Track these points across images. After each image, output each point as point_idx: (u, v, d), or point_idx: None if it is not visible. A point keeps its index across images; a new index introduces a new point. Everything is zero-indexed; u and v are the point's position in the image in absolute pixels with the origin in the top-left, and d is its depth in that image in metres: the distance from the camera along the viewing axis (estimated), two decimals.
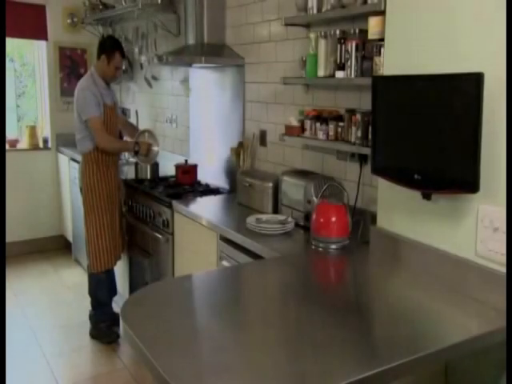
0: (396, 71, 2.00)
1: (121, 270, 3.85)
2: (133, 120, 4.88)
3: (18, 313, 3.96)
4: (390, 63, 2.05)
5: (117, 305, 3.65)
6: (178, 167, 3.76)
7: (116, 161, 3.64)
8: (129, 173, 4.14)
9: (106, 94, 3.44)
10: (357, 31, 2.36)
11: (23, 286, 4.50)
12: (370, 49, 2.24)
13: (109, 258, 3.51)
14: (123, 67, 3.49)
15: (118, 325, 3.28)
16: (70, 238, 5.15)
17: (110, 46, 3.46)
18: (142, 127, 4.80)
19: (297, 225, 2.60)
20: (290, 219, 2.61)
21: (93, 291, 3.58)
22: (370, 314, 1.72)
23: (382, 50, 2.12)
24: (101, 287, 3.56)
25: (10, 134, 5.27)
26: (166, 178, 3.95)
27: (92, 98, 3.34)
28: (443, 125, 1.74)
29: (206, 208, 3.08)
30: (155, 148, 3.70)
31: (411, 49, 1.94)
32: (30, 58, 5.48)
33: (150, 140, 3.70)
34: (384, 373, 1.31)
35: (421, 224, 1.97)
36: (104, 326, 3.55)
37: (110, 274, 3.60)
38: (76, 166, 4.73)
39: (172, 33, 4.09)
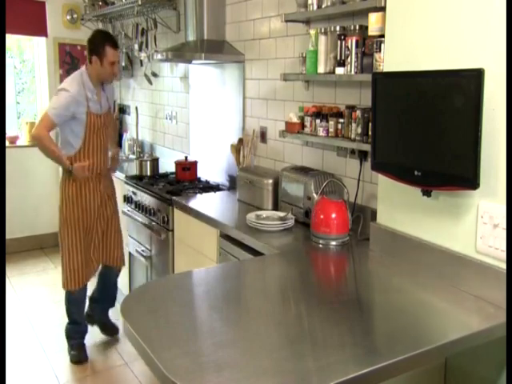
0: (396, 67, 2.00)
1: None
2: (133, 117, 4.90)
3: (18, 309, 3.96)
4: (391, 59, 2.04)
5: (118, 302, 3.65)
6: (177, 164, 3.76)
7: (102, 172, 3.28)
8: (129, 169, 4.15)
9: (92, 100, 3.09)
10: (357, 27, 2.35)
11: (23, 282, 4.51)
12: (370, 45, 2.23)
13: (79, 277, 3.22)
14: (119, 61, 3.14)
15: (80, 352, 3.29)
16: None
17: (98, 43, 3.08)
18: (142, 124, 4.83)
19: (297, 221, 2.60)
20: (290, 216, 2.61)
21: (66, 307, 3.34)
22: (369, 311, 1.73)
23: (383, 46, 2.11)
24: (72, 304, 3.31)
25: (10, 130, 5.27)
26: (166, 175, 3.95)
27: (66, 104, 2.99)
28: (443, 121, 1.74)
29: (206, 205, 3.07)
30: (87, 171, 3.17)
31: (411, 45, 1.93)
32: (30, 55, 5.48)
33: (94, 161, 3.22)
34: (384, 369, 1.31)
35: (421, 220, 1.98)
36: (75, 344, 3.32)
37: (81, 294, 3.30)
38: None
39: (172, 29, 4.08)
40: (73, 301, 3.30)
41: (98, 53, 3.07)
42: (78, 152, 3.13)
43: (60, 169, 3.36)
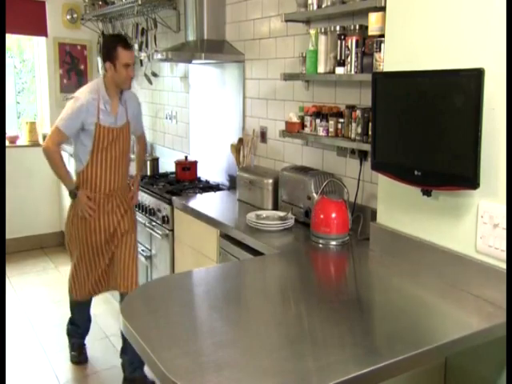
0: (396, 67, 2.00)
1: None
2: None
3: (18, 309, 3.96)
4: (391, 59, 2.04)
5: (118, 302, 3.64)
6: (177, 163, 3.76)
7: (113, 193, 2.96)
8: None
9: (105, 112, 2.84)
10: (357, 27, 2.35)
11: (23, 282, 4.50)
12: (370, 45, 2.23)
13: (84, 290, 3.07)
14: (132, 62, 2.84)
15: (80, 353, 3.25)
16: None
17: (109, 47, 2.85)
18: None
19: (297, 221, 2.60)
20: (290, 215, 2.61)
21: (70, 306, 3.25)
22: (369, 310, 1.73)
23: (383, 46, 2.11)
24: (74, 308, 3.23)
25: (10, 130, 5.27)
26: (165, 175, 3.95)
27: (74, 113, 2.78)
28: (443, 121, 1.74)
29: (206, 204, 3.07)
30: (92, 206, 2.92)
31: (411, 45, 1.93)
32: (30, 55, 5.48)
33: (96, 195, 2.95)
34: (384, 369, 1.31)
35: (421, 220, 1.98)
36: (75, 343, 3.28)
37: (84, 303, 3.19)
38: None
39: (172, 29, 4.08)
40: (75, 305, 3.22)
41: (110, 57, 2.82)
42: (86, 168, 2.88)
43: (70, 161, 3.15)
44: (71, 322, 3.30)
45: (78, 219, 2.94)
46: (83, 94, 2.87)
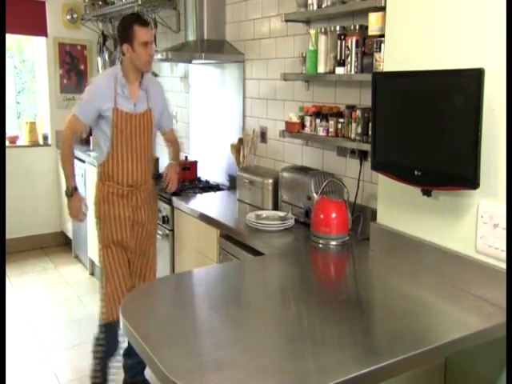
0: (396, 67, 2.00)
1: None
2: None
3: (18, 309, 3.96)
4: (391, 59, 2.04)
5: None
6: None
7: (138, 186, 2.76)
8: None
9: (122, 96, 2.65)
10: (357, 27, 2.35)
11: (23, 282, 4.50)
12: (370, 45, 2.23)
13: (118, 307, 2.47)
14: (151, 40, 2.66)
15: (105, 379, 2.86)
16: (70, 235, 5.15)
17: (125, 27, 2.65)
18: None
19: (297, 221, 2.60)
20: (290, 215, 2.61)
21: (99, 342, 2.84)
22: (369, 310, 1.73)
23: (383, 46, 2.11)
24: (110, 337, 2.81)
25: (10, 130, 5.27)
26: None
27: (90, 98, 2.66)
28: (443, 121, 1.74)
29: (206, 204, 3.07)
30: (83, 211, 2.83)
31: (411, 45, 1.93)
32: (30, 55, 5.48)
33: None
34: (384, 369, 1.31)
35: (421, 220, 1.97)
36: (103, 366, 2.87)
37: (111, 331, 2.78)
38: (76, 162, 4.73)
39: (172, 29, 4.08)
40: (110, 326, 2.75)
41: (127, 38, 2.62)
42: (107, 158, 2.70)
43: (94, 186, 2.95)
44: (100, 344, 2.85)
45: (102, 217, 2.74)
46: (98, 78, 2.81)
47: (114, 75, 2.68)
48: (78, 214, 2.82)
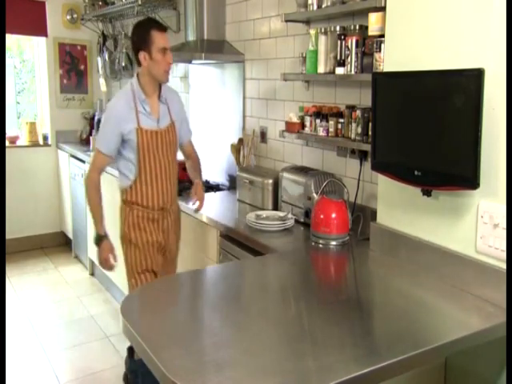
0: (396, 67, 2.00)
1: (120, 266, 3.85)
2: None
3: (18, 309, 3.96)
4: (391, 59, 2.04)
5: (118, 302, 3.65)
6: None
7: (167, 207, 2.61)
8: None
9: (144, 113, 2.47)
10: (357, 27, 2.35)
11: (23, 282, 4.50)
12: (370, 45, 2.23)
13: None
14: (169, 47, 2.49)
15: None
16: (70, 235, 5.15)
17: (141, 33, 2.44)
18: None
19: (297, 221, 2.60)
20: (290, 216, 2.61)
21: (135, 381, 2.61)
22: (369, 310, 1.73)
23: (383, 46, 2.11)
24: (135, 362, 2.57)
25: (10, 130, 5.27)
26: None
27: (111, 127, 2.44)
28: (443, 121, 1.74)
29: (206, 205, 3.07)
30: (112, 263, 2.60)
31: (411, 45, 1.93)
32: (30, 55, 5.48)
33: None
34: (384, 369, 1.31)
35: (421, 220, 1.97)
36: None
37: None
38: (76, 162, 4.75)
39: (172, 29, 4.07)
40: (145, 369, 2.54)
41: (144, 44, 2.41)
42: (134, 183, 2.51)
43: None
44: (131, 371, 2.67)
45: (129, 242, 2.56)
46: (114, 102, 2.51)
47: (131, 92, 2.47)
48: (106, 264, 2.60)
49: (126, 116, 2.43)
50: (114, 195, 3.50)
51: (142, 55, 2.43)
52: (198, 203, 2.68)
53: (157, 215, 2.56)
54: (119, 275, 3.74)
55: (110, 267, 2.62)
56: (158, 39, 2.41)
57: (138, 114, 2.45)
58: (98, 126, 5.08)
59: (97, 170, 2.52)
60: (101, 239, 2.55)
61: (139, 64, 2.48)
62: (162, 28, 2.46)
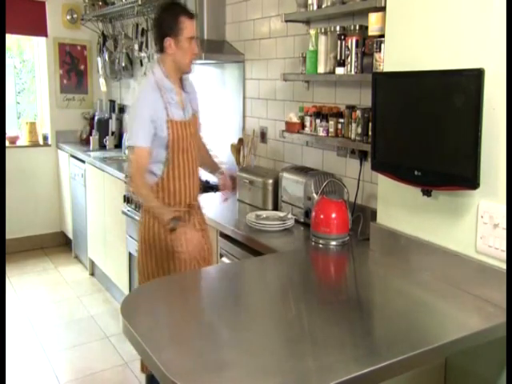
0: (396, 67, 2.00)
1: (120, 267, 3.85)
2: None
3: (18, 309, 3.96)
4: (391, 59, 2.04)
5: (118, 302, 3.65)
6: None
7: (193, 203, 2.42)
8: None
9: (173, 105, 2.28)
10: (357, 27, 2.35)
11: (23, 282, 4.50)
12: (370, 45, 2.23)
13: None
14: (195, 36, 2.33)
15: None
16: (70, 235, 5.15)
17: (169, 19, 2.26)
18: None
19: (297, 221, 2.60)
20: (290, 216, 2.61)
21: None
22: (370, 311, 1.73)
23: (383, 46, 2.11)
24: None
25: (10, 130, 5.27)
26: None
27: (145, 120, 2.23)
28: (443, 121, 1.74)
29: (206, 205, 3.07)
30: (193, 240, 2.22)
31: (411, 45, 1.93)
32: (30, 55, 5.48)
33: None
34: (384, 369, 1.31)
35: (421, 220, 1.97)
36: None
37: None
38: (76, 162, 4.75)
39: None
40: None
41: (171, 31, 2.24)
42: (162, 179, 2.33)
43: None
44: None
45: (151, 246, 2.36)
46: (141, 93, 2.34)
47: (156, 81, 2.27)
48: (193, 244, 2.22)
49: (156, 106, 2.25)
50: (116, 197, 3.49)
51: (168, 42, 2.25)
52: (228, 194, 2.57)
53: (183, 214, 2.34)
54: (119, 275, 3.75)
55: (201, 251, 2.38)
56: (188, 27, 2.26)
57: (167, 104, 2.27)
58: (98, 126, 5.12)
59: (142, 172, 2.26)
60: (178, 219, 2.23)
61: (161, 51, 2.30)
62: (192, 15, 2.29)
